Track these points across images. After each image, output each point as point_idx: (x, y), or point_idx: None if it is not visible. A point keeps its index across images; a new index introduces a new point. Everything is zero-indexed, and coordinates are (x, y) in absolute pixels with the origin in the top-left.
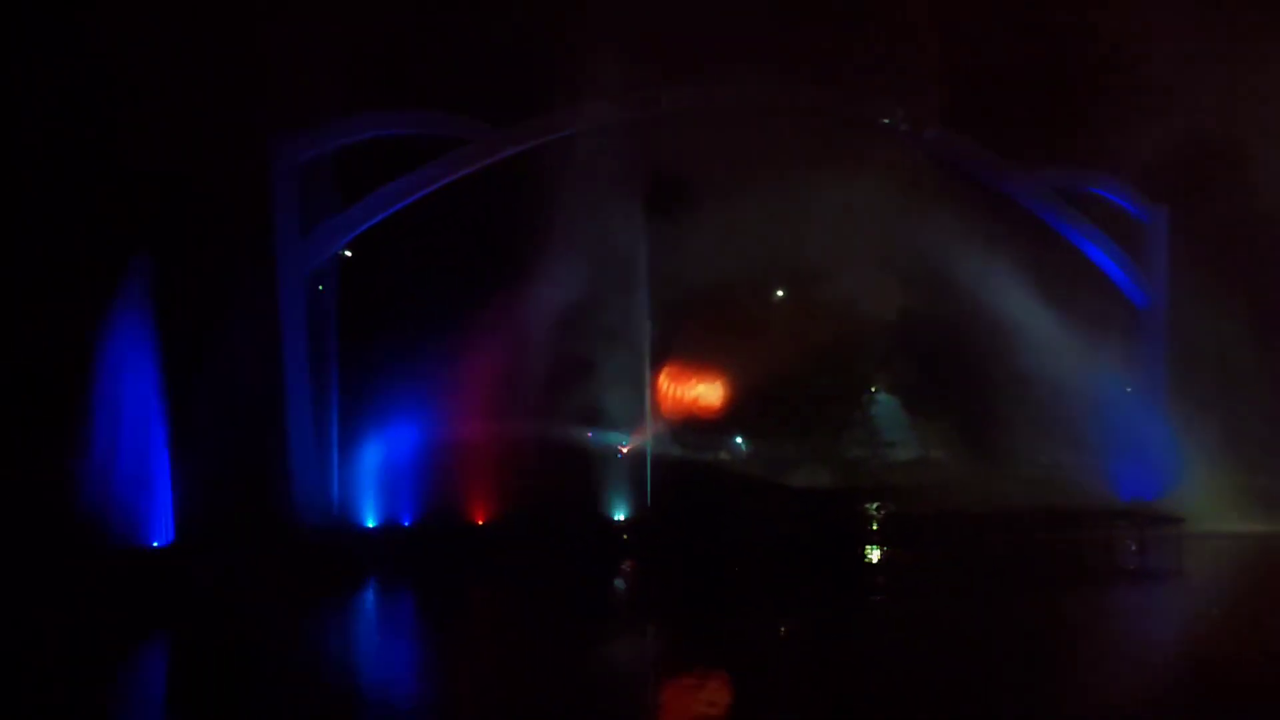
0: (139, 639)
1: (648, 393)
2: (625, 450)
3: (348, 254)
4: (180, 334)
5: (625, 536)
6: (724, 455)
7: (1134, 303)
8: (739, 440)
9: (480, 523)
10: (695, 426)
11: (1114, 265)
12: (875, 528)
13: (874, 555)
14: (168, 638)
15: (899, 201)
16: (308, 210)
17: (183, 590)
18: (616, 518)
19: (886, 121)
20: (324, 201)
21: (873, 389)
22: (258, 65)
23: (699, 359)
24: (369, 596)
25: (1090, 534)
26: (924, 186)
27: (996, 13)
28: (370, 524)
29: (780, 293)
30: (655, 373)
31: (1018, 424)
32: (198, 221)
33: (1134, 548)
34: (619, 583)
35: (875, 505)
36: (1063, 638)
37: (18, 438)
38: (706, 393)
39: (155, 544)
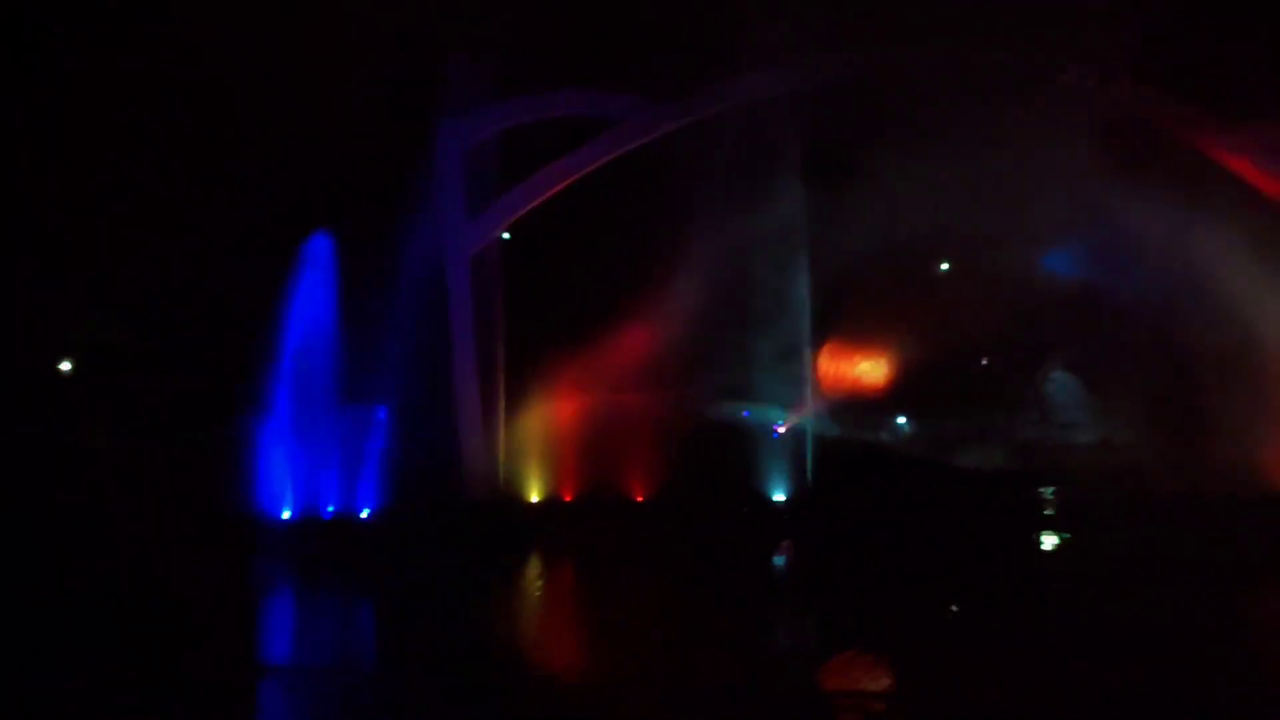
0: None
1: (807, 370)
2: (783, 429)
3: (505, 235)
4: (359, 314)
5: (784, 516)
6: (885, 436)
7: None
8: (901, 420)
9: (639, 500)
10: (857, 405)
11: None
12: (1050, 513)
13: (1047, 542)
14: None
15: (1079, 163)
16: (474, 192)
17: (380, 553)
18: (775, 497)
19: (1068, 76)
20: (488, 184)
21: (1049, 366)
22: (427, 53)
23: (861, 336)
24: (532, 568)
25: None
26: (1109, 146)
27: None
28: (533, 498)
29: (945, 265)
30: (815, 350)
31: (1217, 407)
32: (373, 207)
33: None
34: (778, 561)
35: (1050, 490)
36: (1237, 637)
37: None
38: (869, 370)
39: (364, 514)
